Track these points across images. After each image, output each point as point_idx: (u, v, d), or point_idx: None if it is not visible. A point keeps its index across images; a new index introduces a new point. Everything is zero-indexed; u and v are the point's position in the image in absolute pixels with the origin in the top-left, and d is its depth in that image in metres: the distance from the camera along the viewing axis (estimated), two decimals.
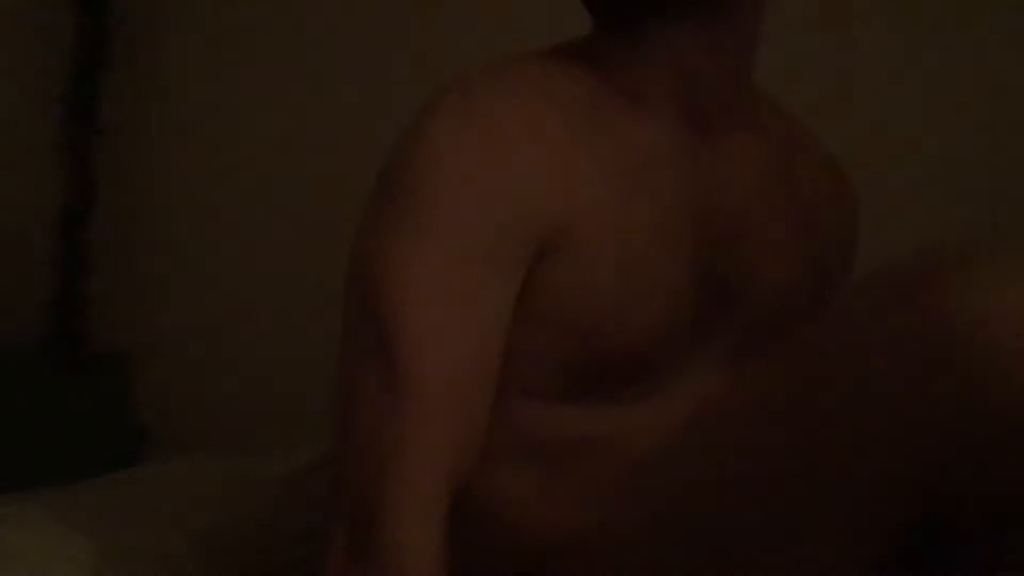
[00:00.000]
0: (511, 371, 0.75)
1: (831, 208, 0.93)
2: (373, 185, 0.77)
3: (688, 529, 0.74)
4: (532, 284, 0.74)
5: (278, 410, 1.57)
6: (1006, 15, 1.42)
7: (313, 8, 1.65)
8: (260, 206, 1.69)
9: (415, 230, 0.72)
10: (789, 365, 0.73)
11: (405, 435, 0.70)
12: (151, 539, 0.95)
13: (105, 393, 1.69)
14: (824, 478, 0.69)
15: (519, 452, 0.79)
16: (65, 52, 1.65)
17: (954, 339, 0.63)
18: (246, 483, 1.14)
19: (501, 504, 0.79)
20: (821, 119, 0.99)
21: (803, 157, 0.91)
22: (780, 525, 0.71)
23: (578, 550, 0.77)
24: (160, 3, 1.71)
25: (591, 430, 0.78)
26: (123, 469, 1.28)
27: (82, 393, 1.66)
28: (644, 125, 0.80)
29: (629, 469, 0.77)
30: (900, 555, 0.70)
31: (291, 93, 1.67)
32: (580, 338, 0.76)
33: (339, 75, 1.64)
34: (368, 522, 0.69)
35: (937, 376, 0.63)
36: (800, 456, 0.70)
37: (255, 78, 1.69)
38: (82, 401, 1.66)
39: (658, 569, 0.74)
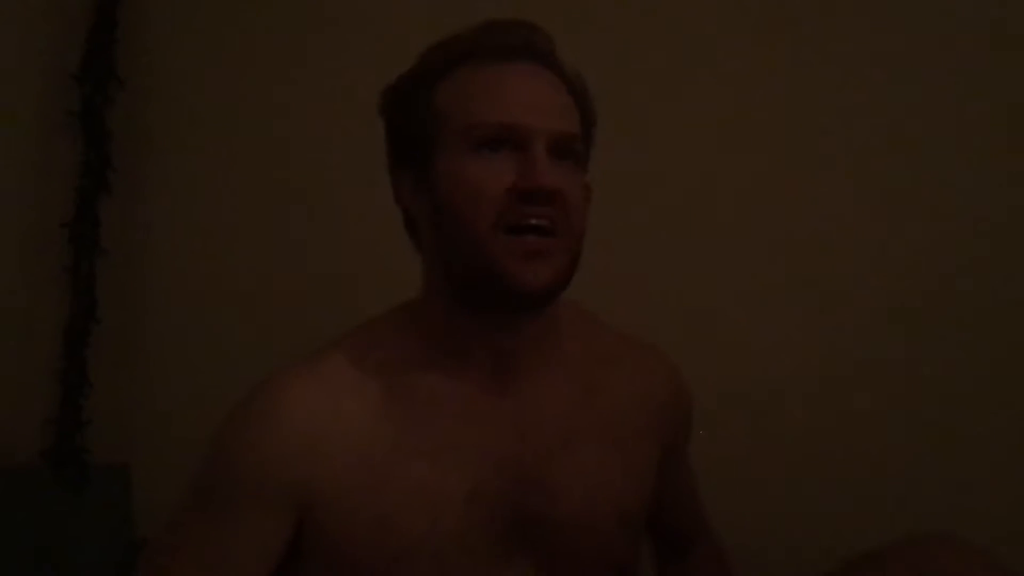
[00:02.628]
0: None
1: (648, 407, 1.02)
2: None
3: None
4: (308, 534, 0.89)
5: None
6: None
7: (299, 131, 1.72)
8: (253, 323, 1.74)
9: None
10: None
11: None
12: None
13: (104, 506, 1.70)
14: None
15: None
16: (70, 181, 1.72)
17: None
18: None
19: None
20: None
21: (610, 373, 1.01)
22: None
23: None
24: (156, 136, 1.79)
25: None
26: None
27: (81, 506, 1.67)
28: (457, 384, 0.92)
29: None
30: None
31: (281, 217, 1.74)
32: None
33: (328, 197, 1.70)
34: None
35: None
36: None
37: (244, 205, 1.76)
38: (81, 514, 1.67)
39: None
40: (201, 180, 1.78)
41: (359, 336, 0.96)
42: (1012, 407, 1.46)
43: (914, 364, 1.49)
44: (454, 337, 0.93)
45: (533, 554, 0.93)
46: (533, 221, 0.86)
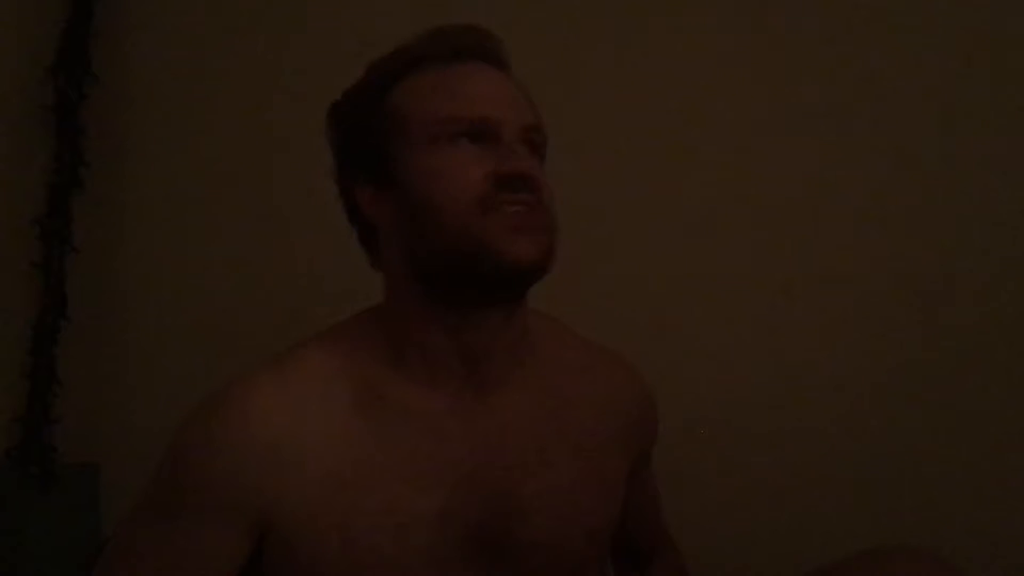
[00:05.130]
0: None
1: (617, 418, 1.01)
2: None
3: None
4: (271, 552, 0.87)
5: None
6: None
7: (276, 129, 1.71)
8: (225, 322, 1.73)
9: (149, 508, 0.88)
10: None
11: None
12: None
13: (73, 505, 1.69)
14: None
15: None
16: (42, 177, 1.71)
17: None
18: None
19: None
20: None
21: (579, 384, 1.00)
22: None
23: None
24: (130, 133, 1.77)
25: None
26: None
27: (49, 505, 1.66)
28: (429, 394, 0.90)
29: None
30: None
31: (254, 219, 1.73)
32: None
33: (303, 195, 1.65)
34: None
35: None
36: None
37: (217, 204, 1.75)
38: (49, 513, 1.66)
39: None
40: (174, 178, 1.77)
41: (325, 340, 0.93)
42: (996, 417, 1.47)
43: (890, 368, 1.50)
44: (424, 343, 0.90)
45: (503, 573, 0.91)
46: (513, 208, 0.86)
